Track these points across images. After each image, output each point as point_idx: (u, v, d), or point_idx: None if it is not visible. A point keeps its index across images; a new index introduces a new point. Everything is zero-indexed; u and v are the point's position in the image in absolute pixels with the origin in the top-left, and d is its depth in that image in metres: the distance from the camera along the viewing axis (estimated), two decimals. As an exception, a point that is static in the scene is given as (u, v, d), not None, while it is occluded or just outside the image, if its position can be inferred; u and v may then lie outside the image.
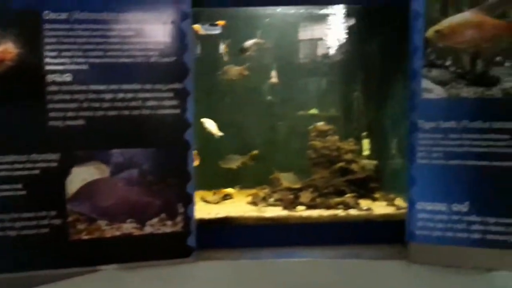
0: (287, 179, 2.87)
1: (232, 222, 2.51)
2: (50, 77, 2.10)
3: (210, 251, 2.35)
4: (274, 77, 3.06)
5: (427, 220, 2.20)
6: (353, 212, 2.57)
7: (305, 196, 2.70)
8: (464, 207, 2.15)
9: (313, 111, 3.22)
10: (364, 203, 2.69)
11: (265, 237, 2.46)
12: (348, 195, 2.75)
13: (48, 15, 2.10)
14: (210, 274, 2.25)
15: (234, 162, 2.96)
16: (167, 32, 2.19)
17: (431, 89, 2.14)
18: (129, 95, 2.18)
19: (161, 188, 2.22)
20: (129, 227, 2.20)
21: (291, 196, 2.72)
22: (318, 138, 3.01)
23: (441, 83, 2.13)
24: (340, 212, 2.56)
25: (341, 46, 3.13)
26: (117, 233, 2.19)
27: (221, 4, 2.47)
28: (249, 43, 2.93)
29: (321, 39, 3.16)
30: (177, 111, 2.22)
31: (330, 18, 2.98)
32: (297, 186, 2.84)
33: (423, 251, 2.20)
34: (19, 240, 2.10)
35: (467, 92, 2.12)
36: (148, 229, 2.21)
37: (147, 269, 2.21)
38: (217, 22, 2.75)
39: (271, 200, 2.77)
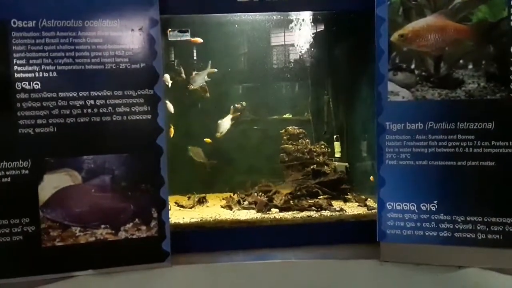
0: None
1: (206, 226, 2.59)
2: (19, 85, 2.16)
3: (185, 255, 2.42)
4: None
5: (397, 220, 2.30)
6: (325, 213, 2.67)
7: (279, 199, 2.78)
8: (432, 206, 2.26)
9: (287, 115, 3.31)
10: (336, 204, 2.80)
11: (239, 240, 2.54)
12: (320, 196, 2.85)
13: (17, 23, 2.15)
14: (185, 278, 2.32)
15: (199, 156, 3.03)
16: (136, 38, 2.27)
17: (397, 92, 2.26)
18: (100, 102, 2.24)
19: (134, 194, 2.29)
20: (103, 232, 2.26)
21: (265, 199, 2.80)
22: (290, 141, 3.10)
23: (407, 85, 2.25)
24: (313, 214, 2.65)
25: (309, 51, 3.24)
26: (91, 239, 2.25)
27: (188, 12, 2.54)
28: (198, 80, 3.07)
29: (289, 44, 3.27)
30: (148, 116, 2.29)
31: (298, 24, 3.07)
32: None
33: (394, 250, 2.31)
34: (-8, 248, 2.14)
35: (432, 94, 2.23)
36: (122, 234, 2.28)
37: (122, 274, 2.27)
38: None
39: (245, 203, 2.85)
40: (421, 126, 2.24)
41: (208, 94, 3.14)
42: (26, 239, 2.18)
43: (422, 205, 2.26)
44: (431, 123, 2.23)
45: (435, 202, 2.25)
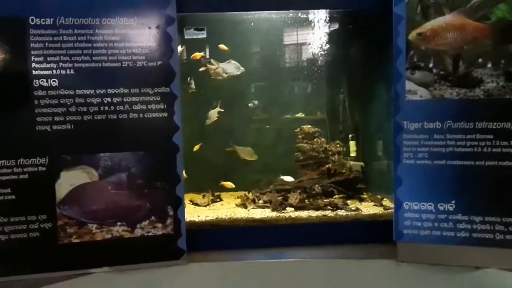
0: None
1: (221, 224, 2.61)
2: (37, 82, 2.19)
3: (201, 253, 2.44)
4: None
5: (414, 220, 2.31)
6: (341, 212, 2.68)
7: (294, 198, 2.80)
8: (450, 206, 2.27)
9: (300, 114, 3.33)
10: (352, 203, 2.82)
11: (254, 239, 2.57)
12: (336, 196, 2.86)
13: (34, 20, 2.19)
14: (200, 276, 2.35)
15: (250, 155, 3.07)
16: (153, 36, 2.30)
17: (415, 91, 2.27)
18: (116, 99, 2.28)
19: (150, 191, 2.32)
20: (119, 230, 2.30)
21: (280, 198, 2.82)
22: (305, 140, 3.12)
23: (425, 84, 2.26)
24: (328, 213, 2.67)
25: (326, 50, 3.25)
26: (108, 236, 2.29)
27: (205, 10, 2.57)
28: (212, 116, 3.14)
29: (305, 43, 3.28)
30: (165, 114, 2.32)
31: (314, 22, 3.09)
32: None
33: (410, 250, 2.32)
34: (9, 244, 2.19)
35: (450, 93, 2.24)
36: (138, 232, 2.31)
37: (138, 271, 2.30)
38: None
39: (260, 202, 2.87)
40: (439, 125, 2.25)
41: (192, 86, 3.18)
42: (43, 235, 2.22)
43: (440, 205, 2.27)
44: (449, 123, 2.24)
45: (452, 202, 2.26)
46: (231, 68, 3.09)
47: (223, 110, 3.18)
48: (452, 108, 2.24)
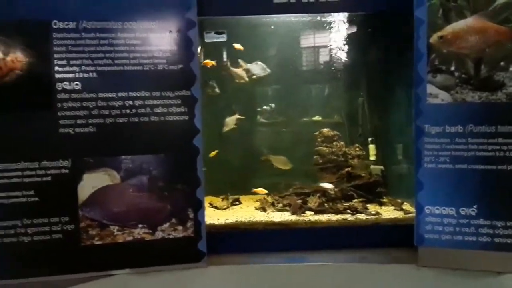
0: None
1: (241, 227, 2.63)
2: (60, 85, 2.22)
3: (220, 256, 2.46)
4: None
5: (435, 224, 2.30)
6: (361, 216, 2.67)
7: (313, 201, 2.80)
8: (472, 211, 2.25)
9: (317, 118, 3.33)
10: (372, 207, 2.81)
11: (274, 242, 2.57)
12: (355, 200, 2.86)
13: (57, 24, 2.22)
14: (220, 279, 2.36)
15: (284, 163, 3.07)
16: (174, 40, 2.32)
17: (436, 94, 2.26)
18: (138, 102, 2.30)
19: (171, 194, 2.34)
20: (140, 232, 2.32)
21: (299, 201, 2.82)
22: (324, 143, 3.12)
23: (446, 88, 2.25)
24: (348, 217, 2.66)
25: (345, 53, 3.25)
26: (129, 238, 2.31)
27: (226, 13, 2.59)
28: (230, 123, 3.14)
29: (324, 46, 3.29)
30: (185, 117, 2.34)
31: (333, 25, 3.10)
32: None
33: (432, 255, 2.31)
34: (33, 246, 2.22)
35: (472, 96, 2.23)
36: (159, 234, 2.33)
37: (159, 273, 2.32)
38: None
39: (279, 205, 2.88)
40: (460, 129, 2.24)
41: (217, 90, 3.18)
42: (65, 237, 2.25)
43: (461, 210, 2.26)
44: (471, 126, 2.23)
45: (474, 206, 2.24)
46: (257, 69, 3.10)
47: (243, 117, 3.18)
48: (474, 111, 2.23)
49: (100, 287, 2.25)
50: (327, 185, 2.91)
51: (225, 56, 3.28)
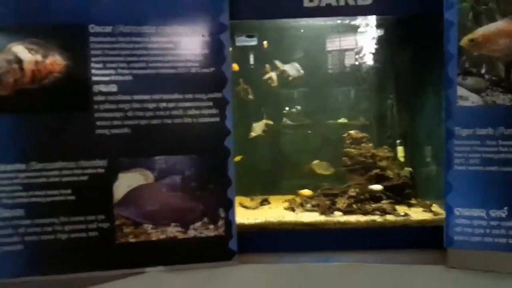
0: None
1: (270, 227, 2.66)
2: (96, 88, 2.29)
3: (250, 255, 2.49)
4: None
5: (465, 226, 2.30)
6: (390, 217, 2.69)
7: (342, 202, 2.83)
8: (502, 213, 2.25)
9: (342, 120, 3.35)
10: (401, 209, 2.81)
11: (303, 242, 2.61)
12: (384, 201, 2.87)
13: (94, 28, 2.29)
14: (251, 278, 2.40)
15: (326, 169, 3.09)
16: (206, 43, 2.38)
17: (466, 97, 2.26)
18: (171, 104, 2.36)
19: (203, 193, 2.39)
20: (173, 230, 2.37)
21: (328, 202, 2.85)
22: (352, 145, 3.14)
23: (477, 90, 2.25)
24: (377, 218, 2.68)
25: (373, 56, 3.27)
26: (162, 236, 2.36)
27: (257, 17, 2.63)
28: (257, 129, 3.17)
29: (354, 49, 3.31)
30: (217, 119, 2.39)
31: (362, 28, 3.12)
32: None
33: (461, 256, 2.31)
34: (69, 243, 2.29)
35: (503, 99, 2.23)
36: (191, 233, 2.39)
37: (191, 271, 2.37)
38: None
39: (308, 205, 2.91)
40: (491, 131, 2.24)
41: (251, 96, 3.21)
42: (101, 235, 2.31)
43: (492, 212, 2.25)
44: (501, 128, 2.23)
45: (505, 208, 2.24)
46: (292, 70, 3.13)
47: (271, 123, 3.22)
48: (504, 114, 2.23)
49: (134, 284, 2.30)
50: (376, 187, 2.92)
51: (252, 59, 3.32)
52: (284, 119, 3.40)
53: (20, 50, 2.23)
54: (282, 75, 3.19)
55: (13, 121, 2.24)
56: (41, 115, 2.27)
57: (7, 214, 2.23)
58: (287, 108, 3.37)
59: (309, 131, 3.39)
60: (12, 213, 2.23)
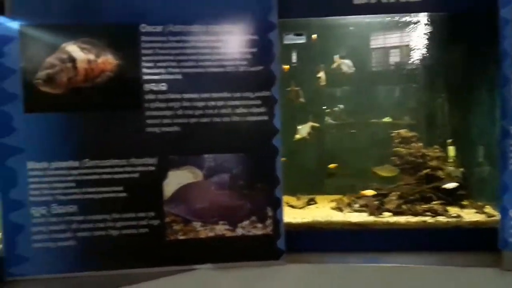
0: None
1: (318, 227, 2.64)
2: (147, 86, 2.32)
3: (297, 255, 2.48)
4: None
5: (521, 228, 2.23)
6: (441, 219, 2.63)
7: (391, 203, 2.78)
8: (561, 214, 2.16)
9: (387, 119, 3.30)
10: (452, 210, 2.74)
11: (351, 242, 2.58)
12: (435, 202, 2.81)
13: (145, 28, 2.32)
14: (299, 277, 2.39)
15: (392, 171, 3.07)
16: (255, 42, 2.38)
17: (523, 95, 2.19)
18: (220, 103, 2.37)
19: (251, 192, 2.40)
20: (221, 228, 2.38)
21: (377, 202, 2.81)
22: (402, 144, 3.09)
23: (533, 89, 2.18)
24: (428, 219, 2.63)
25: (424, 54, 3.20)
26: (211, 234, 2.38)
27: (306, 15, 2.62)
28: (302, 131, 3.14)
29: (404, 46, 3.25)
30: (265, 117, 2.40)
31: (412, 25, 3.06)
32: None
33: (517, 259, 2.24)
34: (121, 239, 2.33)
35: (561, 97, 2.15)
36: (239, 231, 2.39)
37: (239, 269, 2.38)
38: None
39: (356, 206, 2.88)
40: (548, 130, 2.17)
41: (302, 99, 3.19)
42: (151, 232, 2.35)
43: None
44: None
45: None
46: (345, 66, 3.11)
47: (317, 125, 3.20)
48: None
49: (184, 281, 2.32)
50: (451, 185, 2.86)
51: (299, 57, 3.30)
52: (326, 118, 3.36)
53: (74, 49, 2.28)
54: (336, 71, 3.15)
55: (66, 119, 2.30)
56: (94, 113, 2.32)
57: (61, 210, 2.28)
58: (325, 107, 3.33)
59: (352, 130, 3.34)
60: (66, 209, 2.29)
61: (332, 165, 3.11)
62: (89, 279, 2.29)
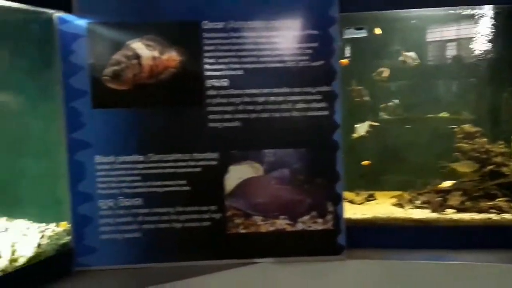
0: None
1: (378, 223, 2.62)
2: (209, 82, 2.36)
3: (358, 250, 2.47)
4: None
5: None
6: (507, 216, 2.56)
7: (454, 199, 2.72)
8: None
9: (444, 114, 3.22)
10: (520, 208, 2.66)
11: (413, 239, 2.54)
12: (500, 199, 2.73)
13: (207, 24, 2.35)
14: (359, 272, 2.38)
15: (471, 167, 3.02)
16: (315, 37, 2.38)
17: None
18: (280, 98, 2.38)
19: (311, 187, 2.40)
20: (282, 223, 2.39)
21: (439, 199, 2.75)
22: (465, 140, 3.01)
23: None
24: (493, 216, 2.56)
25: (488, 46, 3.11)
26: (271, 228, 2.40)
27: (369, 8, 2.59)
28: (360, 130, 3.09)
29: (467, 39, 3.16)
30: (326, 112, 2.39)
31: (476, 18, 2.98)
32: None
33: None
34: (183, 232, 2.38)
35: None
36: (299, 226, 2.40)
37: (300, 264, 2.39)
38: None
39: (418, 202, 2.83)
40: None
41: (366, 98, 3.16)
42: (213, 225, 2.39)
43: None
44: None
45: None
46: (409, 58, 3.07)
47: (377, 124, 3.16)
48: None
49: (245, 274, 2.35)
50: None
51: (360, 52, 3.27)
52: (381, 113, 3.32)
53: (139, 46, 2.34)
54: (402, 65, 3.10)
55: (132, 114, 2.36)
56: (158, 109, 2.38)
57: (127, 203, 2.35)
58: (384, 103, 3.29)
59: (407, 126, 3.28)
60: (132, 202, 2.35)
61: (365, 162, 3.07)
62: (153, 270, 2.35)
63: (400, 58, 3.09)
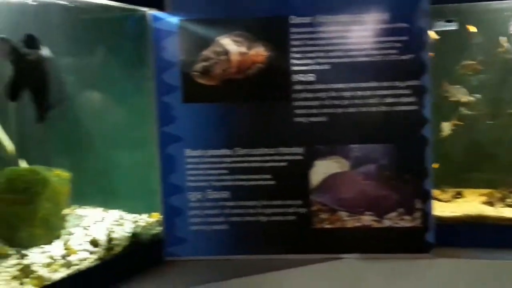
0: None
1: (468, 221, 2.54)
2: (295, 77, 2.37)
3: (446, 249, 2.40)
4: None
5: None
6: None
7: (552, 198, 2.60)
8: None
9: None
10: None
11: (505, 238, 2.45)
12: None
13: (294, 19, 2.36)
14: (449, 271, 2.32)
15: None
16: (405, 30, 2.33)
17: None
18: (368, 93, 2.35)
19: (398, 183, 2.36)
20: (368, 219, 2.37)
21: (534, 198, 2.65)
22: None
23: None
24: None
25: None
26: (357, 224, 2.38)
27: (459, 0, 2.51)
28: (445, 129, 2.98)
29: None
30: (415, 107, 2.34)
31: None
32: None
33: None
34: (269, 226, 2.41)
35: None
36: (386, 223, 2.37)
37: (387, 261, 2.36)
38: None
39: (509, 200, 2.72)
40: None
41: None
42: (298, 219, 2.40)
43: None
44: None
45: None
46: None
47: (461, 123, 3.05)
48: None
49: (330, 269, 2.35)
50: None
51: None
52: (461, 109, 3.19)
53: (227, 42, 2.37)
54: (499, 56, 2.98)
55: (220, 109, 2.41)
56: (245, 104, 2.41)
57: (215, 195, 2.40)
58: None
59: (489, 122, 3.14)
60: (219, 195, 2.40)
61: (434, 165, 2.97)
62: (239, 262, 2.39)
63: (501, 49, 2.95)
